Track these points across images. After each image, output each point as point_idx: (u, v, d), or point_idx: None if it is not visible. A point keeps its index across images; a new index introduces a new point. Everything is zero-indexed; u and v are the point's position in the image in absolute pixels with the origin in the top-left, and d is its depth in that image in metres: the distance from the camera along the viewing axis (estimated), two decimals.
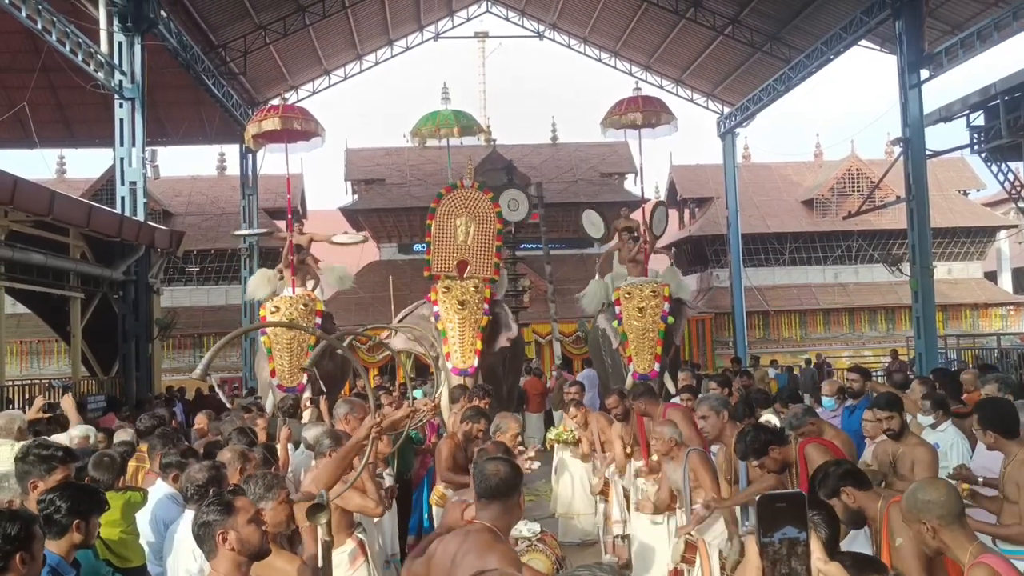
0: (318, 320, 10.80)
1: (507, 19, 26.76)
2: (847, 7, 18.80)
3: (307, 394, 9.77)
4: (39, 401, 8.24)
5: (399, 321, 11.52)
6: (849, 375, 8.05)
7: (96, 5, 14.92)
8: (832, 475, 3.82)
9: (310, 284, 11.83)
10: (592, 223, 14.26)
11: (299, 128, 11.03)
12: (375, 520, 6.18)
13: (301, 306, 10.80)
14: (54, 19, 13.31)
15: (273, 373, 10.52)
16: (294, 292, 11.31)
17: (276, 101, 11.53)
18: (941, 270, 22.16)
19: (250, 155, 22.67)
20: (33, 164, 28.71)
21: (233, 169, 27.39)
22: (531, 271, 23.88)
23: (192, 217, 27.62)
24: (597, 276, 13.12)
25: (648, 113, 11.99)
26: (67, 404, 7.46)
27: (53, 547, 3.33)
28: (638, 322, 11.01)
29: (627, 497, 7.83)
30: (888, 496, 3.80)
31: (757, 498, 1.83)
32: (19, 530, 2.81)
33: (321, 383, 9.92)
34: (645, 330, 10.99)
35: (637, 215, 12.83)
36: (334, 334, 10.84)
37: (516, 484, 3.22)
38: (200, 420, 8.01)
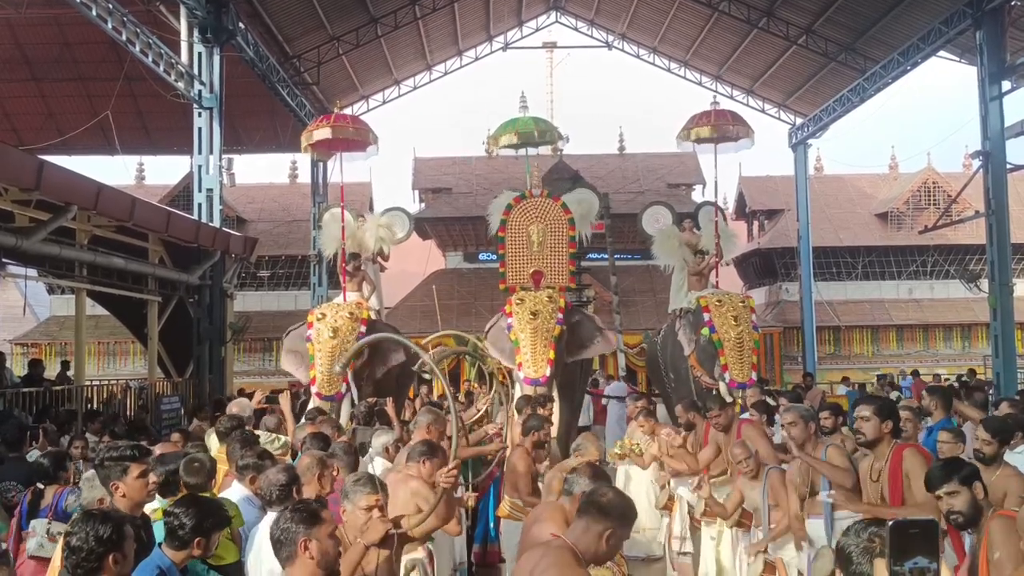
0: (363, 328, 10.63)
1: (576, 29, 26.78)
2: (925, 17, 18.34)
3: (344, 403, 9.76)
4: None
5: (485, 334, 11.47)
6: (929, 395, 7.81)
7: (178, 17, 15.39)
8: (969, 467, 3.89)
9: (366, 290, 11.76)
10: (656, 221, 12.77)
11: (350, 137, 11.00)
12: None
13: (347, 314, 10.64)
14: (137, 30, 13.76)
15: (313, 381, 10.43)
16: (345, 299, 11.25)
17: (337, 110, 11.54)
18: (1021, 287, 21.43)
19: (321, 163, 23.05)
20: (114, 170, 29.62)
21: (304, 177, 27.93)
22: (596, 281, 23.81)
23: (264, 224, 28.18)
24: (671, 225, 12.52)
25: (734, 127, 11.72)
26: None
27: (170, 554, 3.43)
28: (734, 331, 10.70)
29: (691, 514, 7.75)
30: (995, 510, 3.80)
31: (890, 524, 1.83)
32: (111, 531, 2.90)
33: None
34: (741, 339, 10.69)
35: (709, 228, 12.56)
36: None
37: (615, 515, 3.13)
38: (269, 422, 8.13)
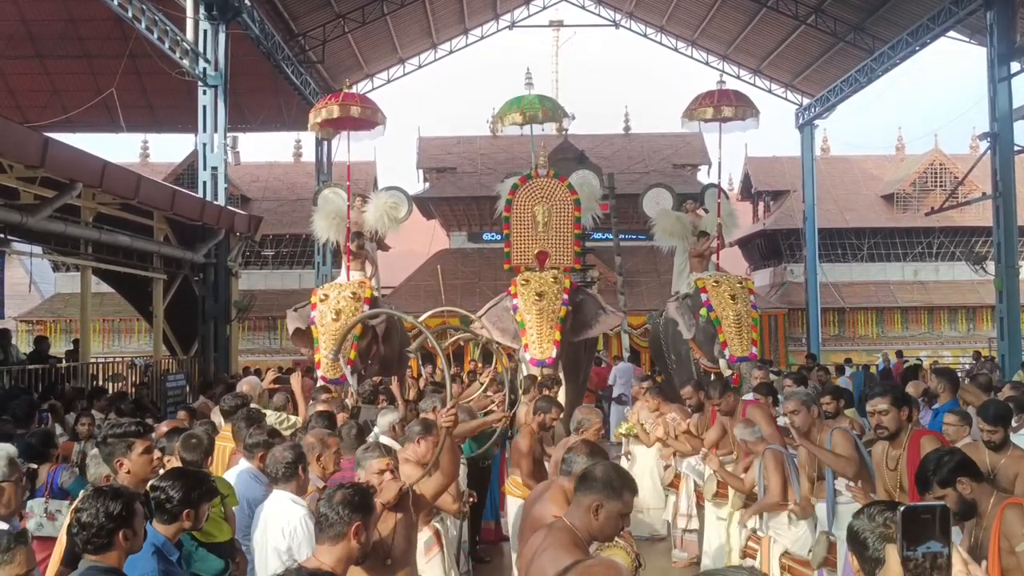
0: (366, 307, 10.62)
1: (583, 7, 26.58)
2: None
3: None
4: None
5: (479, 316, 11.44)
6: (936, 377, 7.80)
7: None
8: (946, 464, 3.66)
9: (368, 269, 11.76)
10: (657, 203, 12.87)
11: (358, 116, 10.95)
12: None
13: (349, 294, 10.63)
14: (143, 7, 13.69)
15: (318, 364, 10.43)
16: (348, 279, 11.23)
17: (345, 89, 11.46)
18: None
19: (325, 142, 22.95)
20: (118, 148, 29.57)
21: (309, 155, 27.87)
22: (600, 262, 23.76)
23: (268, 203, 28.16)
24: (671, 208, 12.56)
25: (740, 107, 11.67)
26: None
27: (161, 530, 3.45)
28: (732, 309, 10.69)
29: (697, 493, 7.78)
30: (1002, 496, 3.71)
31: (901, 509, 1.84)
32: (121, 508, 2.90)
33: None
34: (739, 316, 10.68)
35: (712, 209, 12.53)
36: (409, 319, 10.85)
37: (600, 486, 3.06)
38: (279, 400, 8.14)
